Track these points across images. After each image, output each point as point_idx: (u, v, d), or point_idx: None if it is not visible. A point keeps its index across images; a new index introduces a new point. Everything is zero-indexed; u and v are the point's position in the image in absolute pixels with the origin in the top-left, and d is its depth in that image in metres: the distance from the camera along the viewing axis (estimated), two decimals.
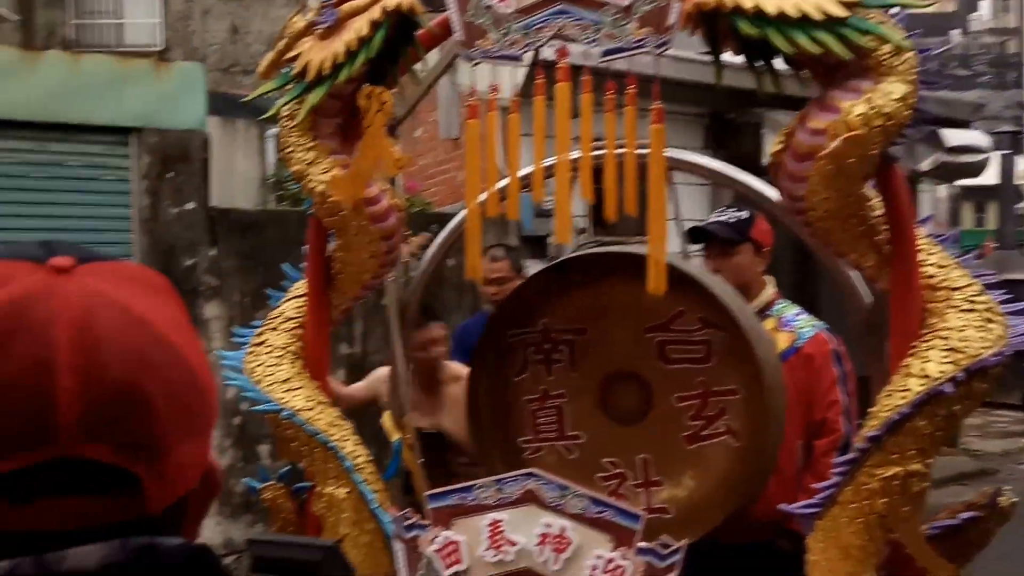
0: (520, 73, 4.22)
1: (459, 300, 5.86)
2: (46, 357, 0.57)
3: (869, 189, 1.91)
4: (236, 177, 7.68)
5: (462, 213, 2.99)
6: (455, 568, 1.86)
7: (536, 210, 5.92)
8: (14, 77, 5.24)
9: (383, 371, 3.22)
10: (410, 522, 1.92)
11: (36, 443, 0.57)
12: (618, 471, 2.44)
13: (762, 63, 1.83)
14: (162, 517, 0.62)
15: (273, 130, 8.20)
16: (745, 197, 2.47)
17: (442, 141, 8.01)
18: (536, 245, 6.21)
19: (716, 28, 1.79)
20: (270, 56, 2.35)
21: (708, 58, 1.88)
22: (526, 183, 2.32)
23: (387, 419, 2.94)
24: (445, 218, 5.34)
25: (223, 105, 7.61)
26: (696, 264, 2.86)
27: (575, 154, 1.99)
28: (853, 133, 1.71)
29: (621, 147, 1.97)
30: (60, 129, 5.39)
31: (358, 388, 3.63)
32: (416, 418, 3.19)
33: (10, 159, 5.32)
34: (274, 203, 8.00)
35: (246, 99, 2.97)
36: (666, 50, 1.82)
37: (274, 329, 2.43)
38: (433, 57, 2.64)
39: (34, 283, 0.60)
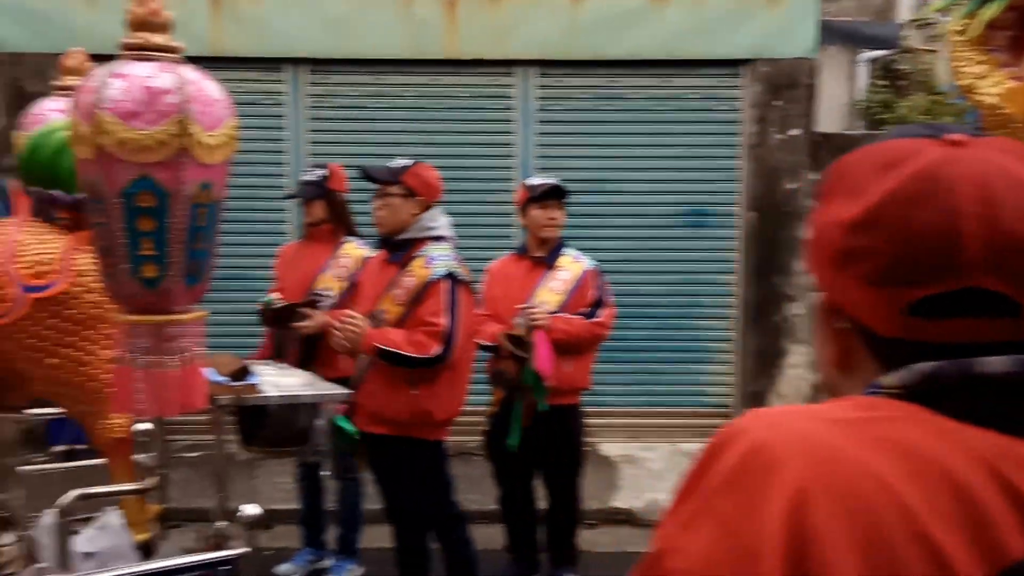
0: None
1: None
2: (954, 208, 0.73)
3: None
4: (825, 102, 7.75)
5: None
6: None
7: None
8: (644, 20, 5.95)
9: None
10: None
11: (946, 275, 0.73)
12: None
13: None
14: None
15: (865, 55, 8.09)
16: None
17: None
18: None
19: None
20: None
21: None
22: None
23: None
24: None
25: None
26: None
27: None
28: None
29: None
30: (681, 65, 6.03)
31: None
32: None
33: (639, 95, 6.10)
34: (862, 128, 7.95)
35: (922, 17, 3.08)
36: None
37: None
38: None
39: (939, 153, 0.76)
